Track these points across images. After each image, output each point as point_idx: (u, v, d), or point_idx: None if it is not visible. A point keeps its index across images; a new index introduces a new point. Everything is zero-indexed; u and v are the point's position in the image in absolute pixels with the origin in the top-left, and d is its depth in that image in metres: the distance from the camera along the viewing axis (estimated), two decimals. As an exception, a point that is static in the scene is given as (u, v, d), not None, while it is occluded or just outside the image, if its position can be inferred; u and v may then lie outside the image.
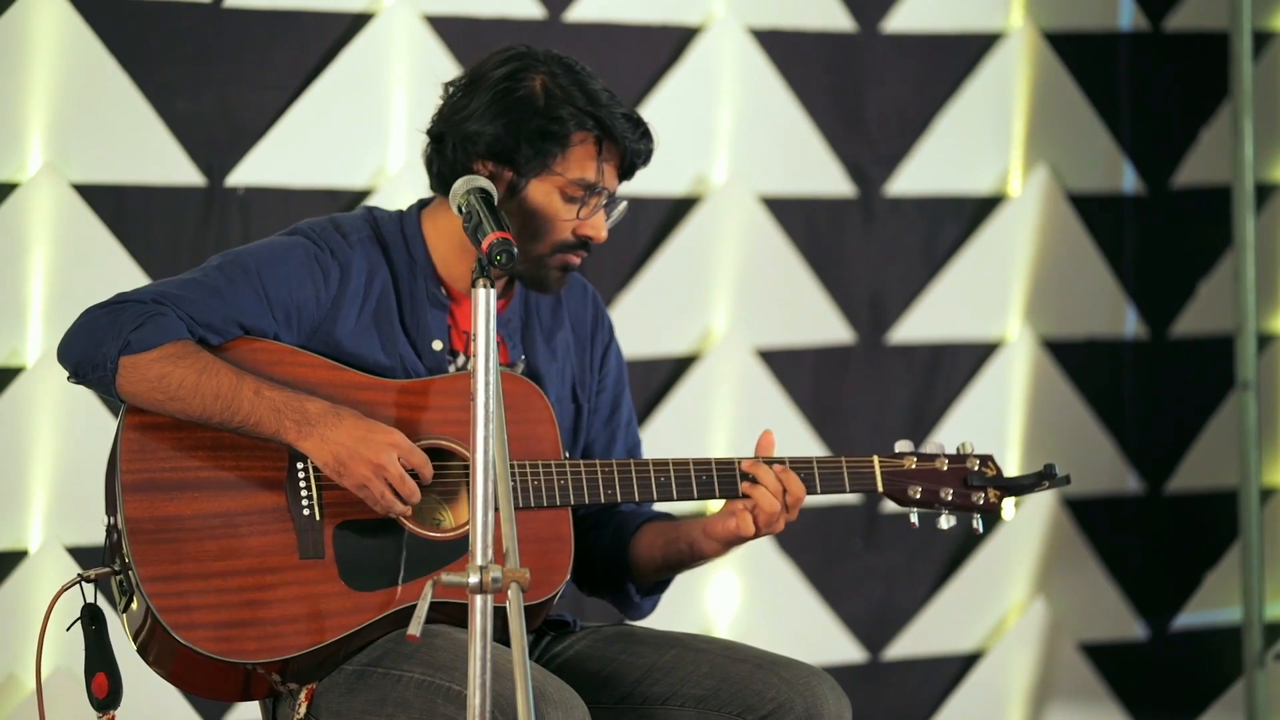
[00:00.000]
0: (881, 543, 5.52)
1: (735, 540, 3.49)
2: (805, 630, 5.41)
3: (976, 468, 3.56)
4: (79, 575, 3.35)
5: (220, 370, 3.29)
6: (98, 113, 4.65)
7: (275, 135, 4.82)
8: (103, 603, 3.43)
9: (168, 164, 4.72)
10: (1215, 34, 5.67)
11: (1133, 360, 5.76)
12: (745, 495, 3.46)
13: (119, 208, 4.68)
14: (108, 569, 3.33)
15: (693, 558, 3.55)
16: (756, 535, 3.47)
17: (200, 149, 4.75)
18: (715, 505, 3.60)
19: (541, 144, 3.41)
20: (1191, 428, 5.81)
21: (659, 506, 3.68)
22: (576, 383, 3.60)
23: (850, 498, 5.45)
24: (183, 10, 4.73)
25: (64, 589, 3.36)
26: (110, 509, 3.34)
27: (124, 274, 4.62)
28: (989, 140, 5.59)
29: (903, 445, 3.56)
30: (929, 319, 5.54)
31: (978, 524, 3.57)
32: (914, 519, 3.56)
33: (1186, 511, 5.80)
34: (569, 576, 3.43)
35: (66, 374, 3.35)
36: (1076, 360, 5.69)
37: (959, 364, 5.58)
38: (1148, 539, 5.79)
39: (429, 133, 3.51)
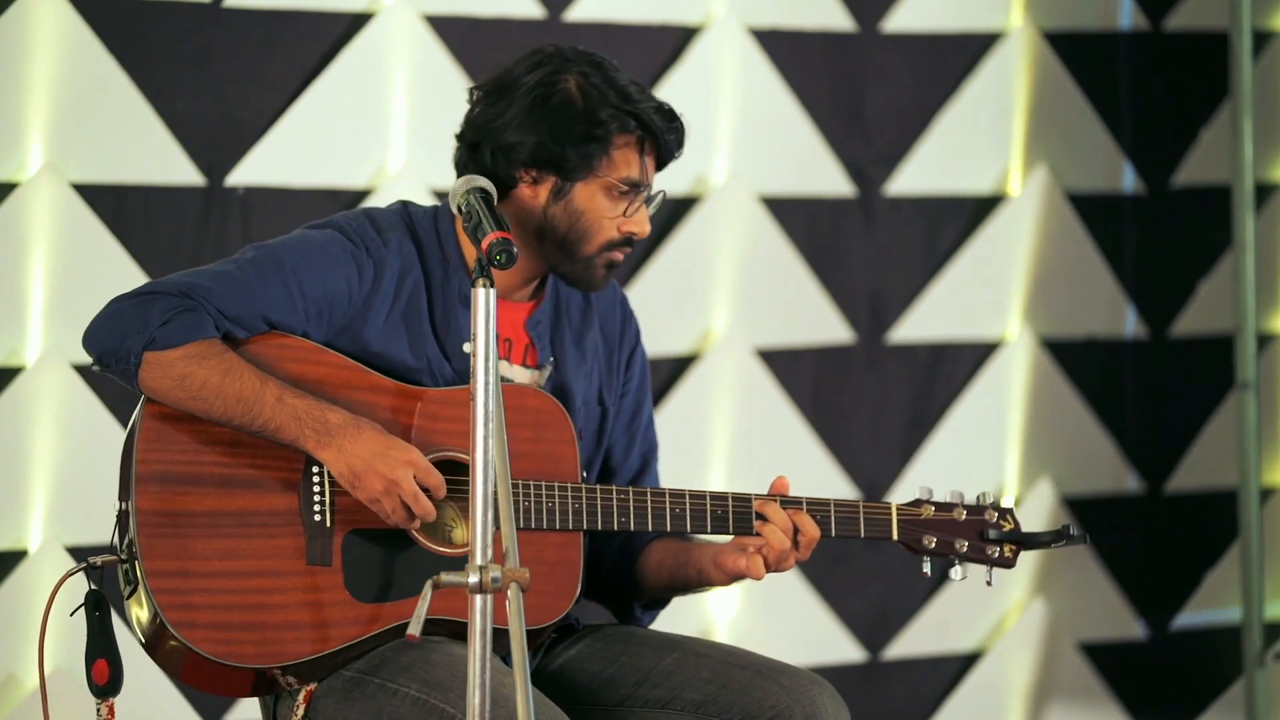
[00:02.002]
0: (882, 543, 5.51)
1: (743, 578, 3.47)
2: (805, 630, 5.40)
3: (994, 520, 3.51)
4: (87, 561, 3.31)
5: (244, 373, 3.27)
6: (98, 113, 4.65)
7: (275, 135, 4.82)
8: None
9: (168, 164, 4.72)
10: (1215, 34, 5.67)
11: (1133, 360, 5.76)
12: (758, 533, 3.43)
13: (119, 208, 4.68)
14: (115, 556, 3.31)
15: (700, 585, 3.53)
16: (766, 574, 3.44)
17: (200, 149, 4.75)
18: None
19: (585, 148, 3.40)
20: (1191, 428, 5.80)
21: None
22: (603, 385, 3.57)
23: (849, 496, 5.44)
24: (183, 10, 4.73)
25: (69, 574, 3.33)
26: (123, 494, 3.30)
27: (124, 274, 4.62)
28: (989, 140, 5.59)
29: (921, 492, 3.53)
30: (929, 319, 5.54)
31: (990, 577, 3.52)
32: (926, 569, 3.51)
33: (1186, 511, 5.80)
34: (574, 604, 3.40)
35: (91, 361, 3.33)
36: (1076, 360, 5.69)
37: (959, 364, 5.58)
38: (1148, 539, 5.78)
39: (461, 138, 3.48)
